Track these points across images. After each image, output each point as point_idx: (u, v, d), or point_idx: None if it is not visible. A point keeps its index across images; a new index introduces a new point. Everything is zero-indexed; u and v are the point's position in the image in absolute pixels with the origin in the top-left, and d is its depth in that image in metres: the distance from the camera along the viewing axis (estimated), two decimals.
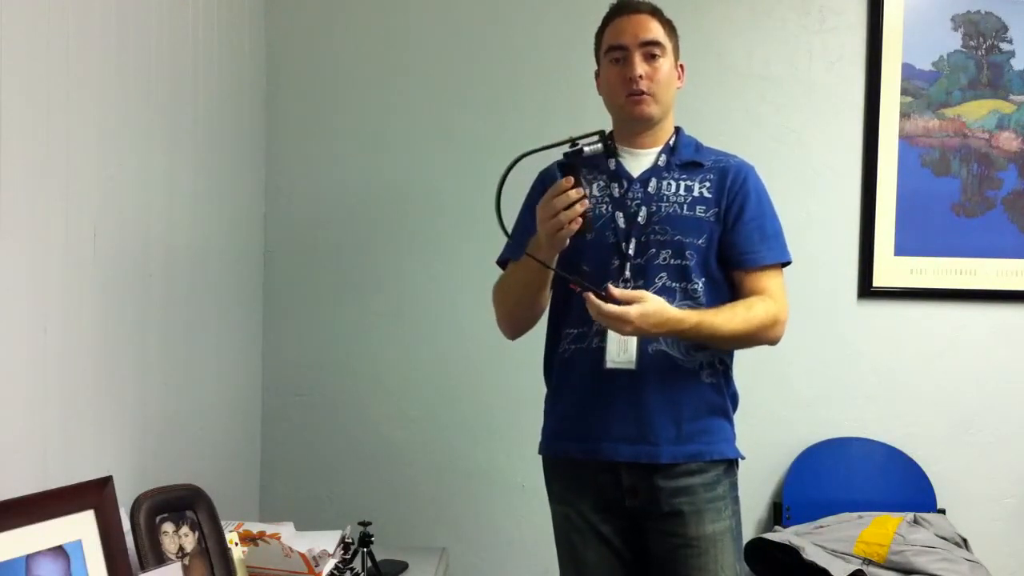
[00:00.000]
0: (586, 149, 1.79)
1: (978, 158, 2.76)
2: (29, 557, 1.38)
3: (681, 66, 2.01)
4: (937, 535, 2.50)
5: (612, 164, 1.98)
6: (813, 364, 2.77)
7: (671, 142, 1.99)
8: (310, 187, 2.82)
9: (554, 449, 2.02)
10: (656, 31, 1.93)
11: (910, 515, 2.57)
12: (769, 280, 1.93)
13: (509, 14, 2.80)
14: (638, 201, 1.93)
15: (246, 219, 2.68)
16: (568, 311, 1.96)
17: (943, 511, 2.69)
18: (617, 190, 1.95)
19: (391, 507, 2.70)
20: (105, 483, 1.53)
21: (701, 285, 1.90)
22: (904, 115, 2.75)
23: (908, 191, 2.75)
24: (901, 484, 2.73)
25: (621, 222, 1.92)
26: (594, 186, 1.96)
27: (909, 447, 2.75)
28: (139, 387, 1.99)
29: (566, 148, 1.79)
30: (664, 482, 1.88)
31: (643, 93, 1.92)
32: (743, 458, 1.99)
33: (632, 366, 1.87)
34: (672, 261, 1.89)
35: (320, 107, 2.82)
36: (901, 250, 2.75)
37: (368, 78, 2.81)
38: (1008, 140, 2.76)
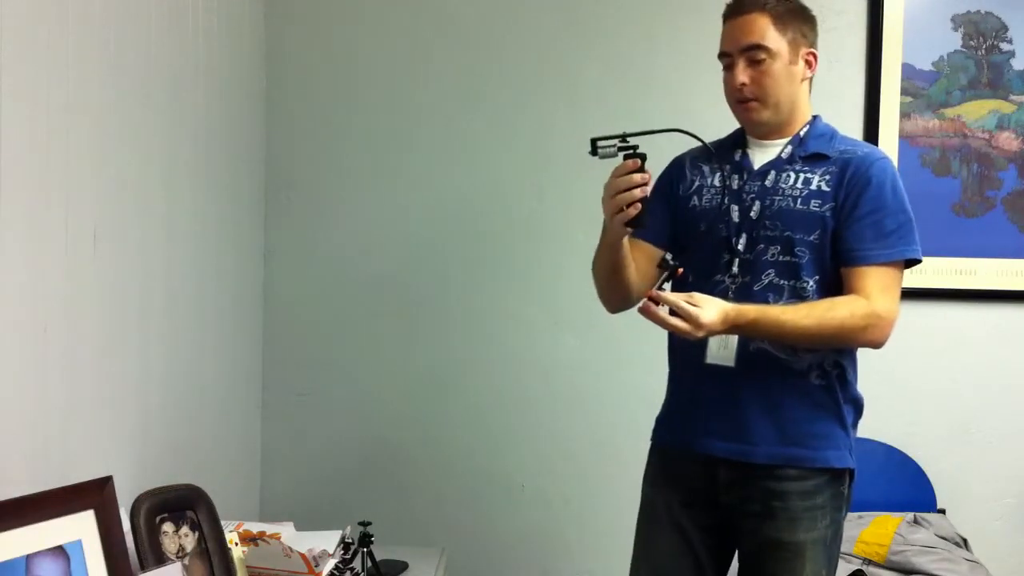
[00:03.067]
0: (601, 150, 1.76)
1: (978, 158, 2.76)
2: (29, 557, 1.38)
3: (811, 56, 1.89)
4: (937, 535, 2.50)
5: (738, 155, 1.94)
6: None
7: (801, 133, 1.91)
8: (310, 187, 2.82)
9: (656, 437, 2.01)
10: (760, 33, 1.84)
11: (910, 515, 2.57)
12: (870, 278, 1.82)
13: (510, 14, 2.80)
14: (753, 195, 1.88)
15: (246, 219, 2.68)
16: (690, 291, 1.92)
17: (943, 511, 2.69)
18: (736, 182, 1.90)
19: (391, 507, 2.70)
20: (105, 483, 1.53)
21: (813, 284, 1.83)
22: (904, 115, 2.75)
23: (908, 191, 2.71)
24: (901, 484, 2.73)
25: (735, 216, 1.88)
26: (716, 176, 1.93)
27: (909, 447, 2.75)
28: (139, 387, 1.99)
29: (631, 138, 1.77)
30: (760, 483, 1.84)
31: (749, 100, 1.87)
32: (855, 467, 1.90)
33: (731, 363, 1.83)
34: (781, 257, 1.84)
35: (320, 106, 2.82)
36: None
37: (368, 77, 2.81)
38: (1008, 140, 2.76)
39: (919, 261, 1.89)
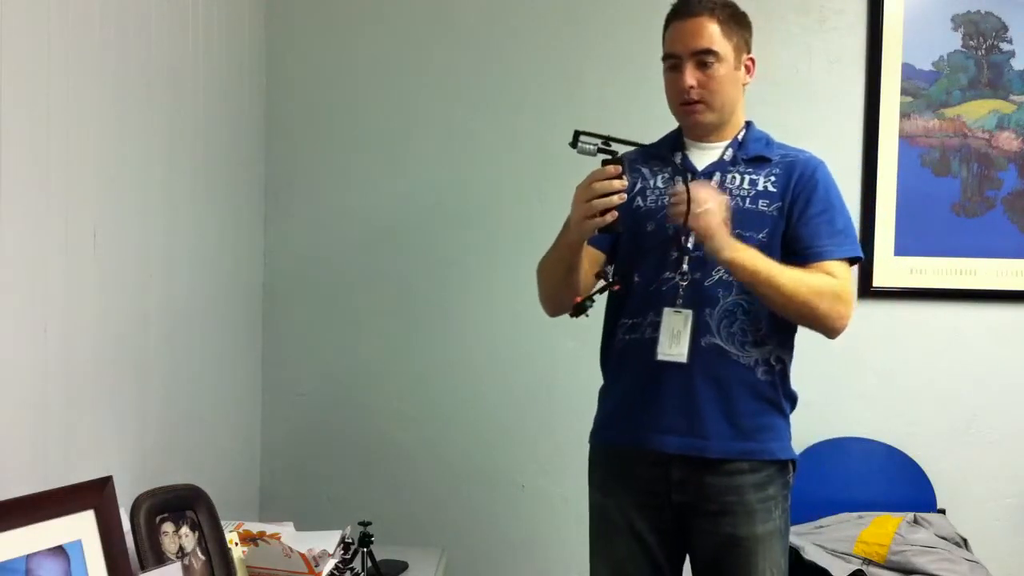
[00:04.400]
0: (580, 144, 1.80)
1: (978, 158, 2.76)
2: (29, 557, 1.38)
3: (751, 60, 1.96)
4: (937, 535, 2.50)
5: (678, 158, 1.97)
6: (813, 364, 2.75)
7: (739, 137, 1.97)
8: (310, 187, 2.82)
9: (602, 438, 2.02)
10: (710, 37, 1.88)
11: (910, 515, 2.56)
12: (832, 272, 1.88)
13: (511, 13, 2.79)
14: None
15: (246, 219, 2.68)
16: (623, 301, 1.95)
17: (943, 511, 2.69)
18: (681, 183, 1.90)
19: (391, 507, 2.70)
20: (105, 483, 1.53)
21: None
22: (904, 115, 2.75)
23: (908, 191, 2.75)
24: (901, 484, 2.73)
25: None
26: (659, 178, 1.96)
27: (909, 447, 2.75)
28: (139, 387, 1.99)
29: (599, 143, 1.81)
30: (714, 479, 1.87)
31: (696, 102, 1.90)
32: (796, 458, 1.96)
33: (683, 359, 1.85)
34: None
35: (320, 107, 2.82)
36: (901, 250, 2.75)
37: (368, 77, 2.81)
38: (1008, 140, 2.76)
39: (862, 260, 1.99)
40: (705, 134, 1.96)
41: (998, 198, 2.76)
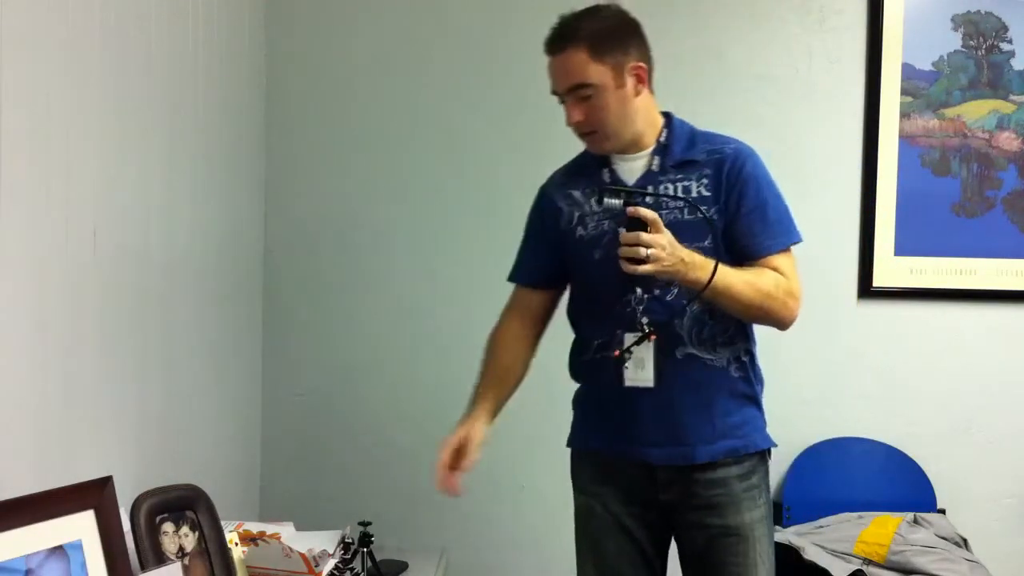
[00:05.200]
0: (610, 203, 1.77)
1: (978, 158, 2.76)
2: (29, 557, 1.38)
3: (639, 70, 1.84)
4: (937, 535, 2.50)
5: (606, 175, 1.90)
6: (813, 364, 2.77)
7: (662, 139, 1.90)
8: (310, 187, 2.82)
9: (583, 444, 2.00)
10: (581, 70, 1.79)
11: (910, 515, 2.57)
12: (776, 263, 1.87)
13: (510, 14, 2.79)
14: None
15: (246, 219, 2.68)
16: (591, 320, 1.93)
17: (943, 511, 2.69)
18: (625, 231, 1.85)
19: (391, 507, 2.70)
20: (105, 483, 1.53)
21: None
22: (904, 115, 2.75)
23: (908, 191, 2.75)
24: (901, 484, 2.73)
25: None
26: (592, 201, 1.87)
27: (909, 447, 2.75)
28: (139, 387, 1.99)
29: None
30: (700, 475, 1.87)
31: (591, 132, 1.85)
32: (775, 446, 1.97)
33: (650, 383, 1.83)
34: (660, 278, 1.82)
35: (320, 107, 2.82)
36: (901, 250, 2.75)
37: (368, 78, 2.81)
38: (1008, 140, 2.76)
39: (801, 241, 1.92)
40: (622, 150, 1.89)
41: (998, 198, 2.76)
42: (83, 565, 1.45)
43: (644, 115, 1.88)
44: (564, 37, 1.83)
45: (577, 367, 2.00)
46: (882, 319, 2.77)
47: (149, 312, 2.03)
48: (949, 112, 2.76)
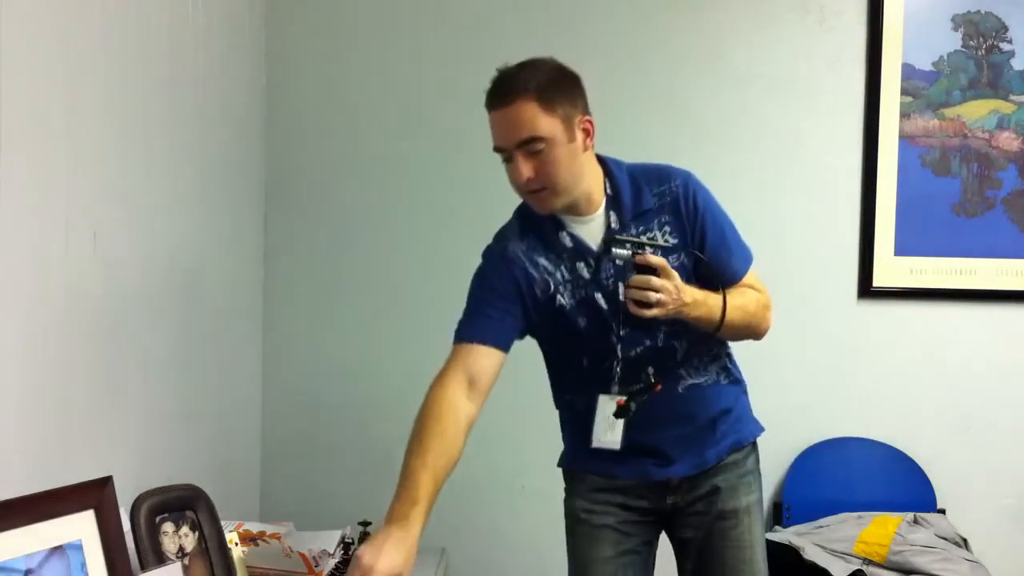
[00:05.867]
0: (618, 252, 1.75)
1: (978, 158, 2.76)
2: (29, 557, 1.38)
3: (587, 124, 1.77)
4: (937, 535, 2.50)
5: (567, 239, 1.82)
6: (813, 364, 2.77)
7: (609, 191, 1.82)
8: (310, 187, 2.82)
9: (577, 465, 1.98)
10: (531, 123, 1.70)
11: (910, 515, 2.57)
12: (747, 282, 1.89)
13: (509, 14, 2.79)
14: (611, 276, 1.80)
15: (246, 219, 2.68)
16: (570, 379, 1.94)
17: (943, 511, 2.69)
18: (586, 270, 1.81)
19: None
20: (105, 483, 1.53)
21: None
22: (904, 115, 2.75)
23: (908, 191, 2.75)
24: (901, 484, 2.73)
25: (603, 303, 1.80)
26: (562, 268, 1.81)
27: (909, 447, 2.75)
28: (139, 387, 1.99)
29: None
30: (700, 477, 1.92)
31: (540, 190, 1.74)
32: (764, 429, 2.00)
33: (616, 447, 1.81)
34: (664, 319, 1.76)
35: (320, 106, 2.82)
36: (901, 250, 2.76)
37: (368, 78, 2.81)
38: (1008, 140, 2.76)
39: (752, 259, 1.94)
40: (570, 208, 1.80)
41: (998, 198, 2.76)
42: (83, 565, 1.45)
43: (591, 171, 1.80)
44: (512, 89, 1.73)
45: (559, 397, 2.02)
46: (882, 319, 2.77)
47: (149, 312, 2.03)
48: (949, 112, 2.76)
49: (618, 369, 1.83)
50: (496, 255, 1.89)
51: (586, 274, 1.81)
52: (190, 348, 2.25)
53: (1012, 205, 2.75)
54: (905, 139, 2.75)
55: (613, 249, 1.74)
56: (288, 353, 2.82)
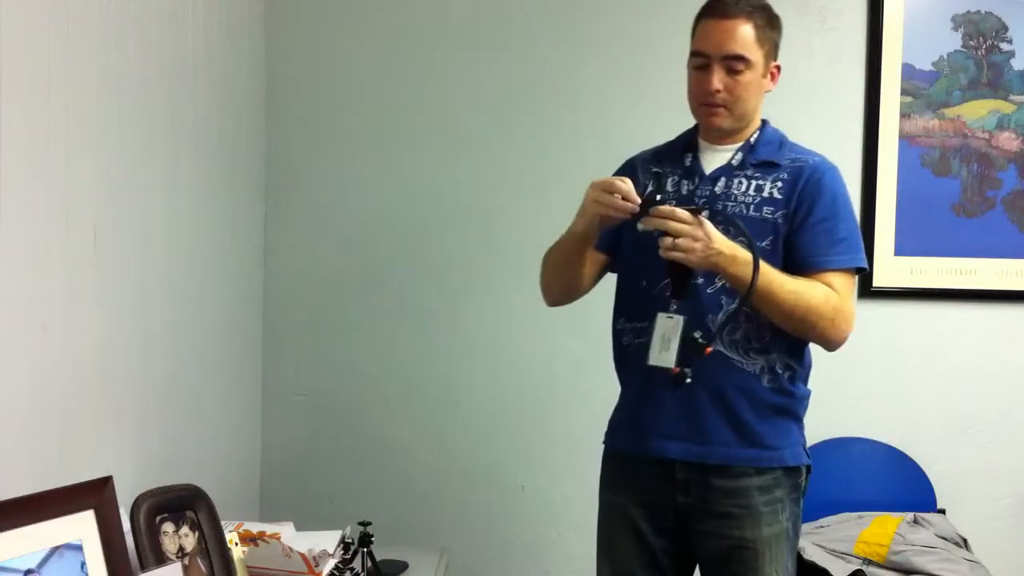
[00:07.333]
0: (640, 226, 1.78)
1: (978, 158, 2.76)
2: (29, 557, 1.37)
3: (775, 69, 1.91)
4: (937, 535, 2.50)
5: (688, 159, 1.94)
6: (813, 364, 2.76)
7: (752, 139, 1.92)
8: (310, 187, 2.82)
9: (610, 442, 2.01)
10: (743, 43, 1.82)
11: (910, 515, 2.57)
12: (832, 282, 1.84)
13: (510, 14, 2.79)
14: (704, 199, 1.86)
15: (246, 219, 2.68)
16: (627, 304, 1.94)
17: (943, 511, 2.69)
18: (686, 187, 1.90)
19: (391, 507, 2.70)
20: (105, 483, 1.53)
21: None
22: (904, 115, 2.75)
23: (908, 191, 2.75)
24: (901, 484, 2.73)
25: None
26: (669, 181, 1.90)
27: (909, 447, 2.75)
28: (139, 387, 1.99)
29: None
30: (719, 481, 1.85)
31: (718, 106, 1.86)
32: (809, 463, 1.93)
33: (671, 364, 1.78)
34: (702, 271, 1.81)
35: (320, 107, 2.82)
36: (901, 250, 2.75)
37: (368, 78, 2.81)
38: (1008, 140, 2.76)
39: (866, 270, 1.94)
40: (720, 137, 1.92)
41: (998, 198, 2.76)
42: (83, 565, 1.45)
43: (759, 112, 1.93)
44: (738, 5, 1.85)
45: (616, 357, 2.00)
46: (882, 319, 2.77)
47: (149, 312, 2.03)
48: (949, 112, 2.76)
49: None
50: (623, 164, 2.04)
51: (684, 191, 1.90)
52: (190, 348, 2.25)
53: (1012, 205, 2.75)
54: (905, 139, 2.75)
55: (650, 189, 1.77)
56: (288, 353, 2.82)
